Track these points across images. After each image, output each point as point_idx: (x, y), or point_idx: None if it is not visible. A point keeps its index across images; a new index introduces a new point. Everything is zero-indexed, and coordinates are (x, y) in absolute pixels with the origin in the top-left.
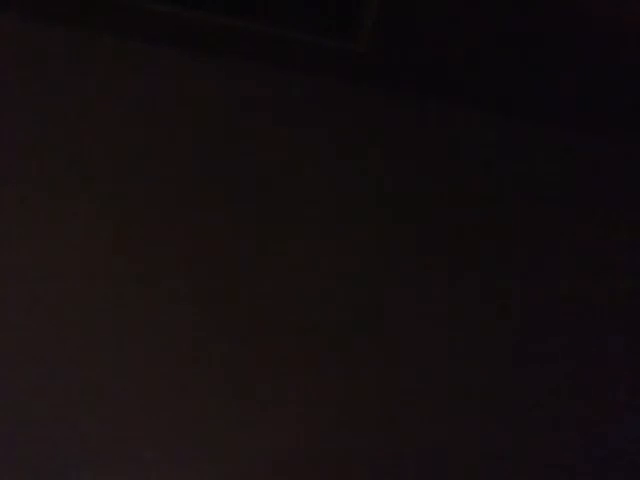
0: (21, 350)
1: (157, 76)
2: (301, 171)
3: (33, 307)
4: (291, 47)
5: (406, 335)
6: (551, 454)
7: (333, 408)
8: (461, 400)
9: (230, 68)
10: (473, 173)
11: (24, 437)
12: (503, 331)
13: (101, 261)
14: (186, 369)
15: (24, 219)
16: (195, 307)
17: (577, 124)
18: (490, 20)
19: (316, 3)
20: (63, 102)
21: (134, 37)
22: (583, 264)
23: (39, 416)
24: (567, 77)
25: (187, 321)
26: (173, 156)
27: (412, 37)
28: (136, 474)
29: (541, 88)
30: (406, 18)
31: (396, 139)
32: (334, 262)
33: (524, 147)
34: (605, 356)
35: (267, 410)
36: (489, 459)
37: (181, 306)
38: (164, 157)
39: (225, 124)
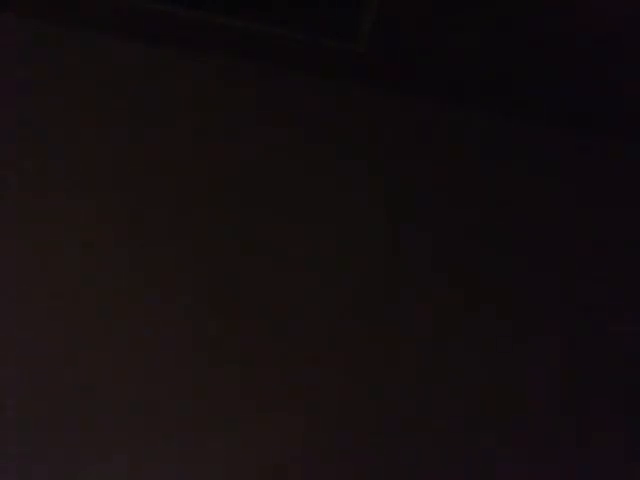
0: (22, 349)
1: (157, 76)
2: (302, 171)
3: (33, 307)
4: (291, 47)
5: (406, 335)
6: (549, 453)
7: (334, 408)
8: (461, 400)
9: (230, 68)
10: (473, 173)
11: (25, 435)
12: (503, 330)
13: (100, 262)
14: (186, 369)
15: (24, 219)
16: (195, 309)
17: (577, 124)
18: (490, 20)
19: (316, 3)
20: (63, 102)
21: (134, 37)
22: (583, 263)
23: (39, 415)
24: (567, 77)
25: (187, 322)
26: (173, 156)
27: (412, 37)
28: (137, 473)
29: (541, 88)
30: (406, 18)
31: (396, 139)
32: (334, 262)
33: (524, 147)
34: (604, 357)
35: (267, 410)
36: (489, 459)
37: (181, 307)
38: (164, 157)
39: (225, 124)
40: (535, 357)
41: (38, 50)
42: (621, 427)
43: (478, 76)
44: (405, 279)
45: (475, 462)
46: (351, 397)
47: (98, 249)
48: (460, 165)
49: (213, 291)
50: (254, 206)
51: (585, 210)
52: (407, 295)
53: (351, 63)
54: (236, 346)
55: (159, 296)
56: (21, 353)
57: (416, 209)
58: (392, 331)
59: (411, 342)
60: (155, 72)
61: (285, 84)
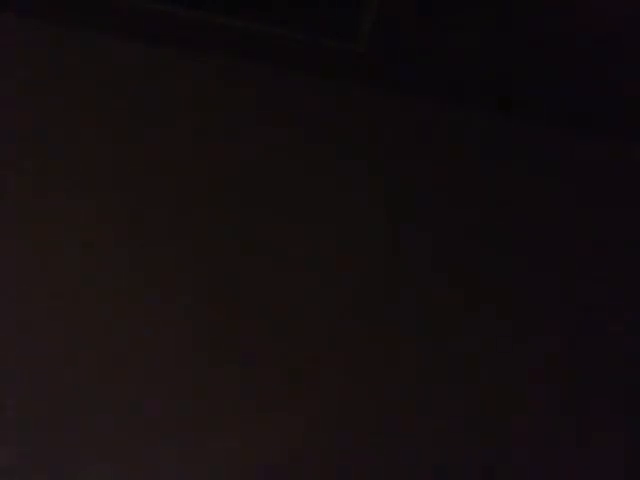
0: (22, 349)
1: (157, 76)
2: (302, 171)
3: (33, 307)
4: (291, 47)
5: (406, 335)
6: (550, 453)
7: (334, 408)
8: (461, 400)
9: (230, 68)
10: (473, 173)
11: (25, 435)
12: (503, 330)
13: (100, 262)
14: (186, 369)
15: (24, 219)
16: (195, 309)
17: (577, 124)
18: (490, 20)
19: (316, 3)
20: (63, 102)
21: (134, 37)
22: (583, 263)
23: (39, 415)
24: (567, 77)
25: (187, 322)
26: (173, 156)
27: (412, 37)
28: (137, 473)
29: (541, 88)
30: (406, 18)
31: (396, 139)
32: (334, 262)
33: (524, 147)
34: (604, 357)
35: (267, 410)
36: (488, 458)
37: (181, 307)
38: (164, 157)
39: (225, 124)
40: (535, 357)
41: (38, 50)
42: (621, 427)
43: (478, 76)
44: (405, 279)
45: (475, 462)
46: (351, 397)
47: (98, 249)
48: (460, 165)
49: (213, 291)
50: (254, 206)
51: (585, 210)
52: (407, 295)
53: (351, 63)
54: (236, 346)
55: (159, 296)
56: (21, 353)
57: (416, 209)
58: (392, 331)
59: (411, 342)
60: (155, 72)
61: (285, 84)
